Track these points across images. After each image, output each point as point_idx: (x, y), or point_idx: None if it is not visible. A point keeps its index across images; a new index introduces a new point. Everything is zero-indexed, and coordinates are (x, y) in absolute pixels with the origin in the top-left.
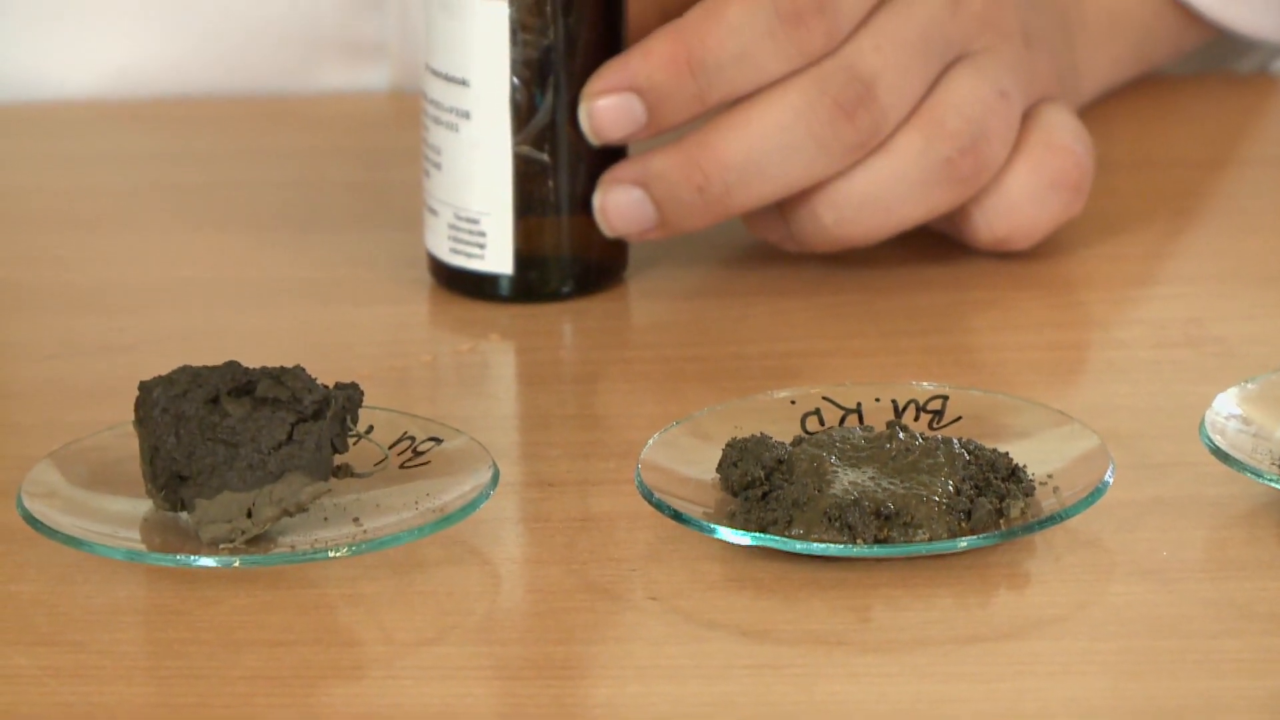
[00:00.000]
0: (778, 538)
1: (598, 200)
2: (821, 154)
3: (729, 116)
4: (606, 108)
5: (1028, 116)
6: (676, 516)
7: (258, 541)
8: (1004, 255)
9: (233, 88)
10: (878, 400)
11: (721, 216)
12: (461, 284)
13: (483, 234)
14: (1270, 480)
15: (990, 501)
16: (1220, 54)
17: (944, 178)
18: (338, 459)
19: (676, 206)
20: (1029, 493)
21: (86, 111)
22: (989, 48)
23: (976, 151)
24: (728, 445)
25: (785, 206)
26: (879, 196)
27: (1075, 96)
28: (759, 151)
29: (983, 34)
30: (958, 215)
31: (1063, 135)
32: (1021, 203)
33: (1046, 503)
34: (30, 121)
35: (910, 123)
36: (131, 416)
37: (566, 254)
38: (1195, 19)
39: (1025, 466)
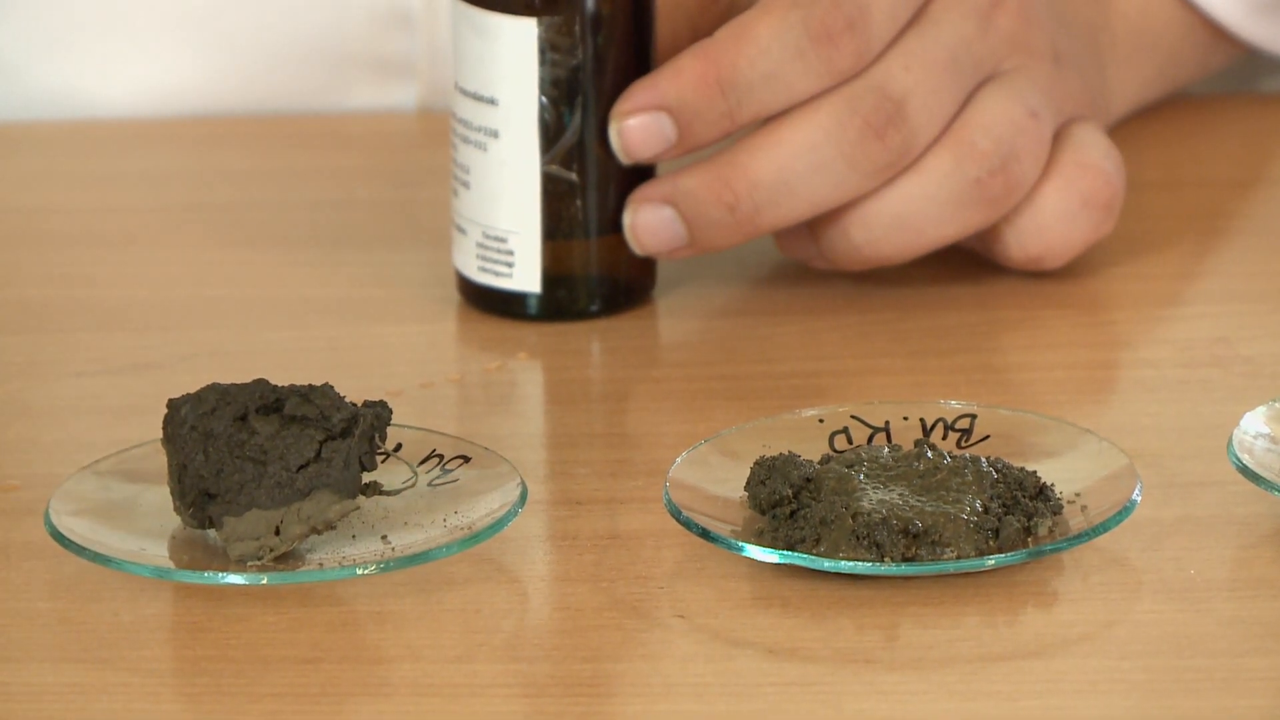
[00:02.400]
0: (806, 556)
1: (628, 219)
2: (852, 173)
3: (759, 135)
4: (636, 127)
5: (1058, 136)
6: (704, 534)
7: (286, 559)
8: (1032, 274)
9: (263, 107)
10: (906, 419)
11: (751, 235)
12: (489, 302)
13: (511, 253)
14: None
15: (1018, 520)
16: (1249, 74)
17: (974, 198)
18: (366, 477)
19: (706, 225)
20: (1057, 511)
21: (117, 130)
22: (1019, 68)
23: (1007, 171)
24: (756, 463)
25: (816, 226)
26: (910, 216)
27: (1105, 116)
28: (789, 171)
29: (1013, 54)
30: (989, 234)
31: (1094, 154)
32: (1053, 222)
33: (1074, 521)
34: (61, 140)
35: (940, 143)
36: (160, 434)
37: (594, 273)
38: (1224, 38)
39: (1053, 485)
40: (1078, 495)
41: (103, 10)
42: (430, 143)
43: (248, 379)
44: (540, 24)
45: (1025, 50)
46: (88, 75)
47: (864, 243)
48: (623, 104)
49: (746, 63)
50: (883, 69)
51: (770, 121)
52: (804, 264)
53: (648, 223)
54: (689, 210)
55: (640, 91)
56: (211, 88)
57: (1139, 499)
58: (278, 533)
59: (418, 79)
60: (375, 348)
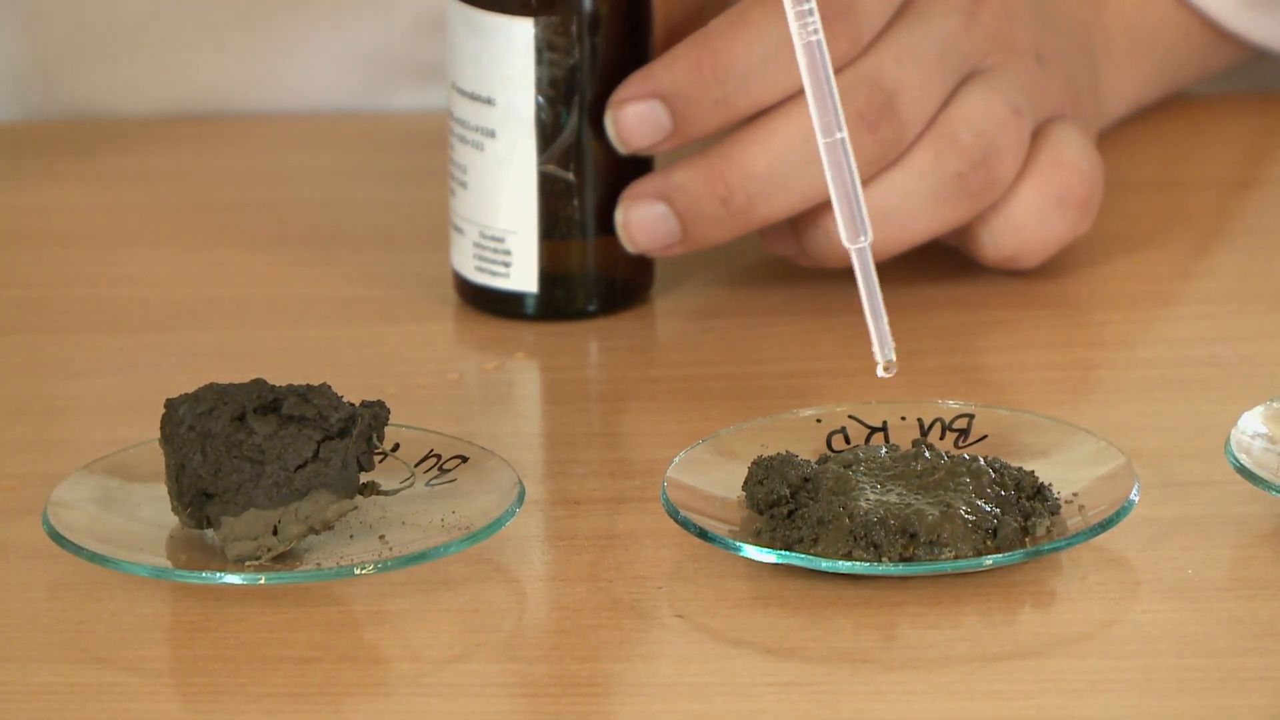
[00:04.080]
0: (803, 555)
1: (620, 216)
2: None
3: (751, 128)
4: (631, 115)
5: (1037, 134)
6: (702, 534)
7: (284, 558)
8: (1029, 274)
9: (296, 110)
10: (903, 419)
11: (744, 229)
12: (487, 302)
13: (508, 252)
14: None
15: (1016, 520)
16: (1248, 74)
17: (955, 193)
18: (364, 476)
19: (699, 219)
20: (1054, 511)
21: (115, 129)
22: (1001, 64)
23: (988, 167)
24: (753, 463)
25: (797, 222)
26: (890, 211)
27: (1098, 116)
28: (782, 163)
29: (995, 50)
30: (965, 233)
31: (1070, 153)
32: (1028, 221)
33: (1072, 521)
34: (59, 139)
35: (923, 138)
36: (158, 434)
37: (591, 272)
38: (1224, 37)
39: (1051, 485)
40: (1075, 495)
41: (142, 16)
42: (429, 143)
43: (246, 379)
44: (537, 24)
45: (1007, 47)
46: (123, 77)
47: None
48: (618, 93)
49: (742, 48)
50: (874, 61)
51: (763, 114)
52: (790, 262)
53: (640, 219)
54: (682, 205)
55: (635, 80)
56: (257, 93)
57: (1137, 499)
58: (276, 532)
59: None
60: (373, 348)
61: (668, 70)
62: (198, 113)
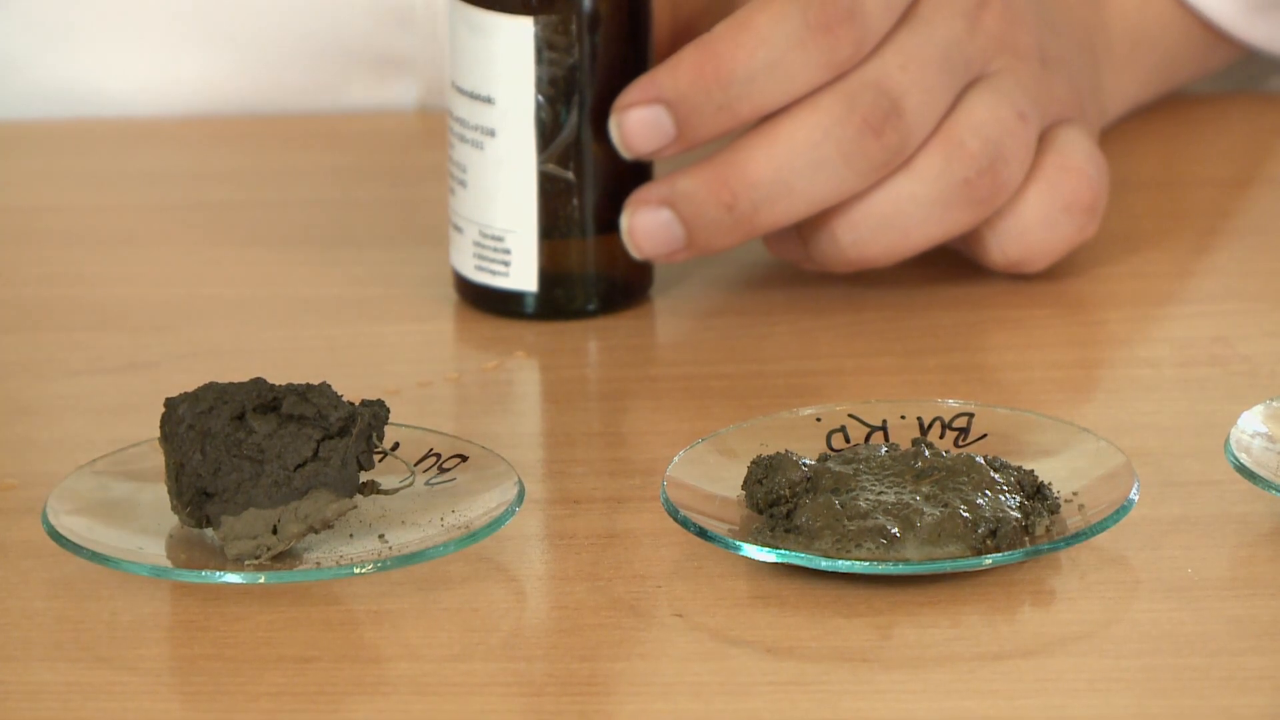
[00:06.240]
0: (803, 555)
1: (625, 223)
2: (849, 171)
3: (756, 134)
4: (635, 121)
5: (1043, 139)
6: (702, 533)
7: (283, 558)
8: (1025, 275)
9: (262, 103)
10: (903, 417)
11: (750, 235)
12: (486, 301)
13: (508, 251)
14: None
15: (1015, 519)
16: (1248, 74)
17: (962, 198)
18: (363, 476)
19: (704, 225)
20: (1054, 510)
21: (114, 129)
22: (1006, 69)
23: (994, 172)
24: (753, 462)
25: (803, 227)
26: (896, 217)
27: (1099, 117)
28: (787, 169)
29: (1000, 55)
30: (971, 238)
31: (1077, 157)
32: (1034, 226)
33: (1072, 520)
34: (57, 139)
35: (930, 143)
36: (157, 433)
37: (591, 272)
38: (1222, 38)
39: (1051, 484)
40: (1075, 494)
41: (101, 6)
42: (428, 141)
43: (245, 378)
44: (537, 23)
45: (1011, 51)
46: (87, 72)
47: (850, 244)
48: (622, 98)
49: (745, 54)
50: (879, 66)
51: (767, 120)
52: (795, 265)
53: (645, 226)
54: (686, 211)
55: (639, 86)
56: (211, 84)
57: (1136, 498)
58: (275, 532)
59: (417, 76)
60: (372, 347)
61: (671, 76)
62: (157, 106)
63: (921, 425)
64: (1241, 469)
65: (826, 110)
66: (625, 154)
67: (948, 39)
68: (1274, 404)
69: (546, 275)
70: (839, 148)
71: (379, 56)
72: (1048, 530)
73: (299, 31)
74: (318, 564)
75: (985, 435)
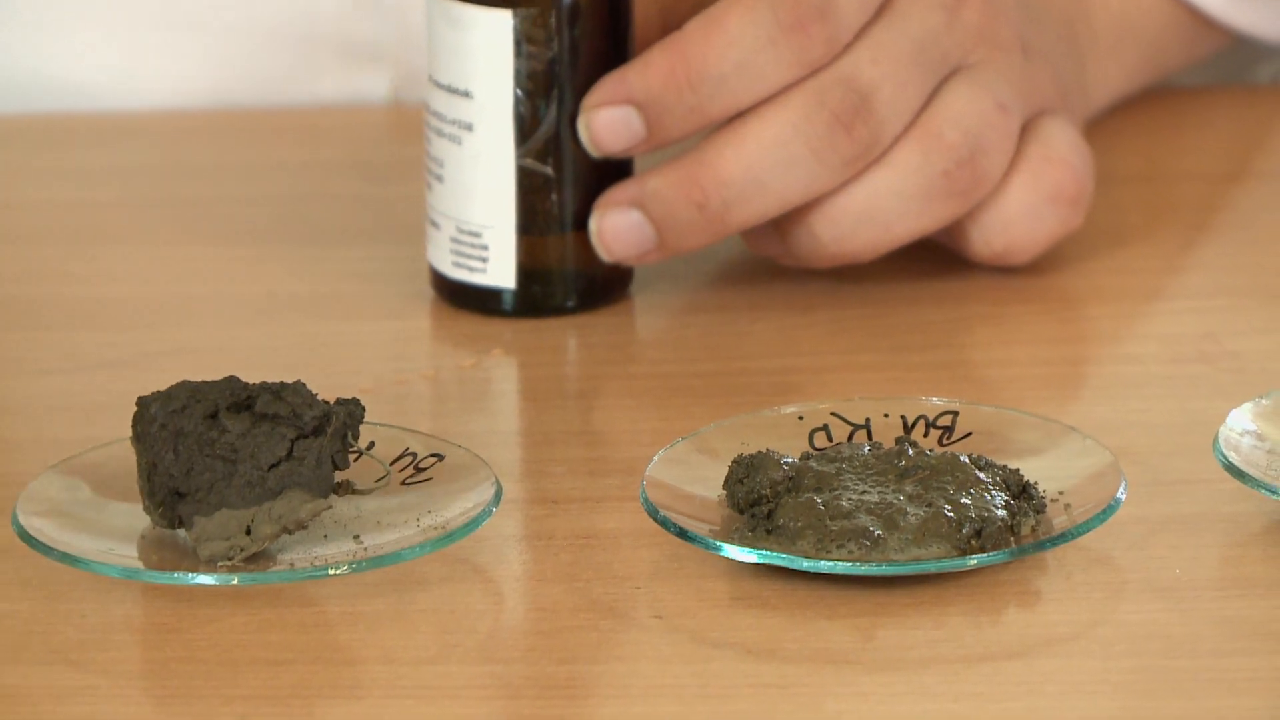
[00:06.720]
0: (784, 555)
1: (594, 225)
2: (820, 168)
3: (726, 132)
4: (604, 121)
5: (1026, 129)
6: (682, 534)
7: (256, 559)
8: (1014, 270)
9: (230, 92)
10: (887, 416)
11: (721, 234)
12: (464, 298)
13: (485, 247)
14: None
15: (1001, 519)
16: (1236, 64)
17: (942, 191)
18: (338, 475)
19: (675, 225)
20: (1040, 510)
21: (84, 123)
22: (986, 60)
23: (974, 164)
24: (734, 461)
25: (782, 223)
26: (876, 211)
27: (1083, 108)
28: (758, 166)
29: (980, 46)
30: (954, 230)
31: (1061, 148)
32: (1019, 218)
33: (1058, 520)
34: (29, 134)
35: (908, 136)
36: (129, 432)
37: (570, 268)
38: (1208, 26)
39: (1036, 483)
40: (1061, 493)
41: None
42: (404, 136)
43: (218, 376)
44: (515, 15)
45: (992, 42)
46: (54, 65)
47: (830, 239)
48: (591, 97)
49: (716, 54)
50: (850, 61)
51: (738, 118)
52: (774, 261)
53: (615, 227)
54: (657, 211)
55: (609, 85)
56: (180, 76)
57: (1124, 497)
58: (248, 532)
59: (389, 64)
60: (348, 344)
61: (641, 76)
62: (121, 95)
63: (905, 423)
64: (1230, 467)
65: (796, 107)
66: (594, 153)
67: (923, 32)
68: (1263, 402)
69: (525, 272)
70: (809, 144)
71: (348, 45)
72: (1033, 530)
73: (267, 21)
74: (292, 565)
75: (970, 433)
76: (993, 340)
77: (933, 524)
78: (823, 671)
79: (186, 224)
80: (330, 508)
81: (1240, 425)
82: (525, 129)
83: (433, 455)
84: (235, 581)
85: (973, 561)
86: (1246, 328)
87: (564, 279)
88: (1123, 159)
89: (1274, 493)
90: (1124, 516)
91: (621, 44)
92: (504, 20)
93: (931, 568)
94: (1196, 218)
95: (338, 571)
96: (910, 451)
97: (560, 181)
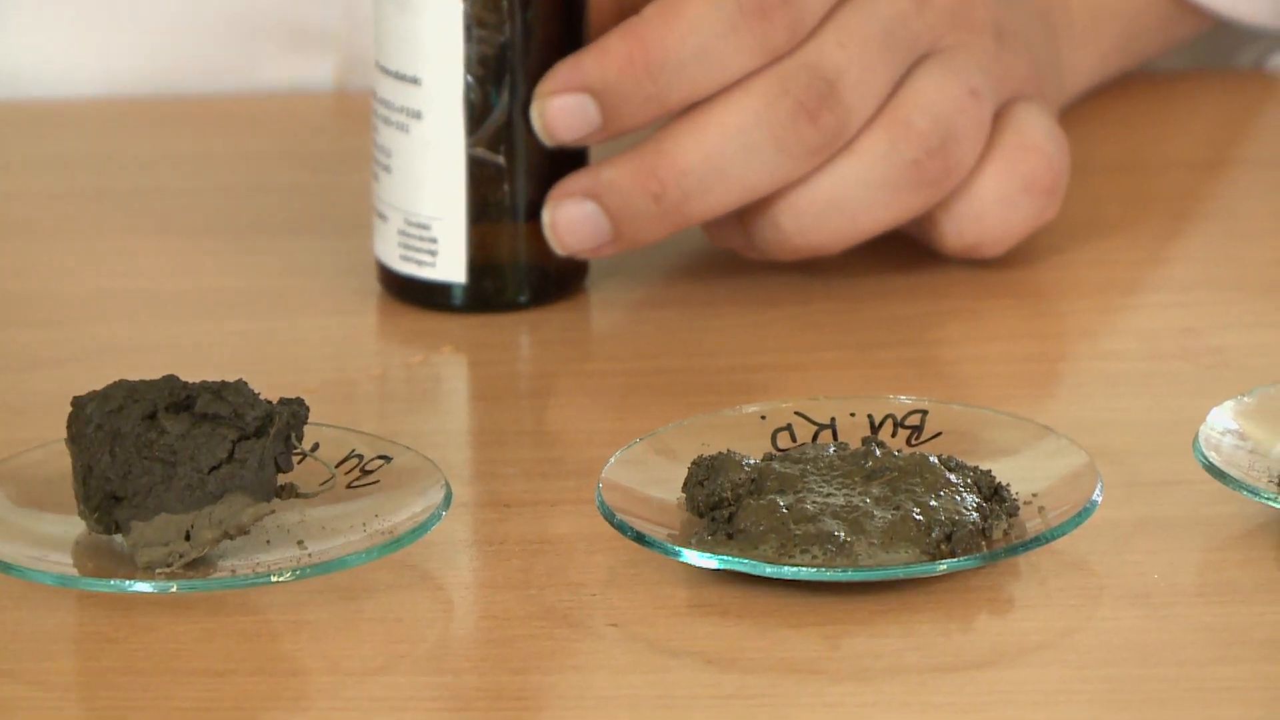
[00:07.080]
0: (746, 560)
1: (547, 216)
2: (783, 157)
3: (685, 120)
4: (558, 109)
5: (999, 116)
6: (639, 539)
7: (196, 565)
8: (986, 263)
9: (169, 79)
10: (853, 415)
11: (679, 225)
12: (412, 293)
13: (434, 240)
14: (1268, 499)
15: (972, 522)
16: (1216, 48)
17: (911, 180)
18: (281, 478)
19: (631, 217)
20: (1013, 513)
21: (14, 112)
22: (958, 44)
23: (945, 153)
24: (694, 463)
25: (745, 214)
26: (842, 202)
27: (1059, 94)
28: (718, 155)
29: (951, 30)
30: (925, 221)
31: (1035, 135)
32: (992, 207)
33: (1031, 523)
34: None
35: (875, 123)
36: (64, 434)
37: (523, 261)
38: (1187, 8)
39: (1009, 485)
40: (1035, 496)
41: None
42: (348, 124)
43: (156, 375)
44: None
45: (964, 26)
46: None
47: (795, 231)
48: (545, 84)
49: (676, 40)
50: (815, 46)
51: (697, 106)
52: (738, 254)
53: (569, 219)
54: (612, 203)
55: (564, 71)
56: (116, 62)
57: (1100, 499)
58: (188, 538)
59: (334, 49)
60: (291, 342)
61: (598, 63)
62: (58, 84)
63: (872, 423)
64: (1211, 468)
65: (759, 94)
66: (548, 142)
67: (891, 15)
68: (1245, 400)
69: (476, 265)
70: (771, 132)
71: (292, 29)
72: (1006, 534)
73: (208, 4)
74: (233, 572)
75: (940, 433)
76: (964, 336)
77: (901, 527)
78: (787, 682)
79: (124, 216)
80: (273, 512)
81: (1221, 424)
82: (476, 117)
83: (380, 457)
84: (174, 589)
85: (943, 566)
86: (1229, 322)
87: (516, 273)
88: (1100, 147)
89: (1256, 495)
90: (1100, 519)
91: (576, 29)
92: (454, 3)
93: (900, 573)
94: (1177, 208)
95: (281, 579)
96: (877, 452)
97: (512, 171)
